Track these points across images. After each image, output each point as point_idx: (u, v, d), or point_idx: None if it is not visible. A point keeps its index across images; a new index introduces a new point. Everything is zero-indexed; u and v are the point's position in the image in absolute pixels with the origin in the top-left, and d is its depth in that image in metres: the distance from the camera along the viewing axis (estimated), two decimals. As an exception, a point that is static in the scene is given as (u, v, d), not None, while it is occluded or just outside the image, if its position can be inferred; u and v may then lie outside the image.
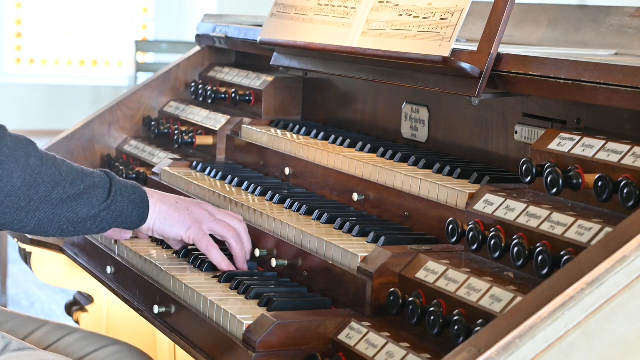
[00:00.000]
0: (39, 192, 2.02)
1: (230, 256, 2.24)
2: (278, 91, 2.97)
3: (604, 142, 1.80)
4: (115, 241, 2.46)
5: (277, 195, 2.40)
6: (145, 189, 2.20)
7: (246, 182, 2.54)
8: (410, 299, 1.76)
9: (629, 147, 1.74)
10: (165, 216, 2.20)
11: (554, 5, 2.73)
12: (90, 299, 3.19)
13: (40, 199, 2.03)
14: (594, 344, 1.42)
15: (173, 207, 2.22)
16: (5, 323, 2.38)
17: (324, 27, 2.57)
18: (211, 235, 2.24)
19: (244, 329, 1.85)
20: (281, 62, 2.77)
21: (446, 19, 2.18)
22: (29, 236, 2.91)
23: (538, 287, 1.45)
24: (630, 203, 1.65)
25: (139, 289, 2.33)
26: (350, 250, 1.97)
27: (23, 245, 3.01)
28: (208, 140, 2.95)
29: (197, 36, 3.36)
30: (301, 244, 2.13)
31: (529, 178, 1.88)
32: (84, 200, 2.07)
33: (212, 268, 2.22)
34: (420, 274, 1.83)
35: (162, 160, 2.93)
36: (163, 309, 2.16)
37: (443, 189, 2.04)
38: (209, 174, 2.71)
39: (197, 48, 3.38)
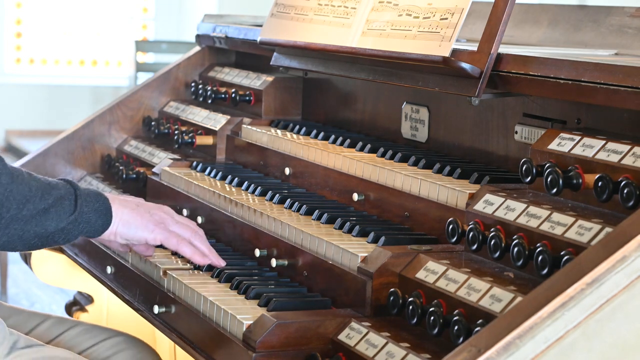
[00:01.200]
0: (10, 209, 2.00)
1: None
2: (278, 91, 2.97)
3: (604, 142, 1.80)
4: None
5: (277, 195, 2.40)
6: (107, 195, 2.17)
7: (246, 182, 2.54)
8: (410, 299, 1.76)
9: (629, 147, 1.74)
10: (129, 219, 2.17)
11: (554, 5, 2.73)
12: (90, 299, 3.19)
13: (11, 216, 2.00)
14: (594, 344, 1.42)
15: (135, 211, 2.19)
16: (8, 318, 2.38)
17: (324, 27, 2.57)
18: None
19: (244, 329, 1.85)
20: (281, 62, 2.77)
21: (446, 19, 2.18)
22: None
23: (538, 287, 1.45)
24: (630, 203, 1.65)
25: (139, 289, 2.33)
26: (350, 250, 1.97)
27: (23, 245, 3.00)
28: (208, 140, 2.95)
29: (197, 36, 3.36)
30: (301, 244, 2.13)
31: (529, 178, 1.87)
32: (52, 214, 2.05)
33: (211, 268, 2.22)
34: (420, 274, 1.83)
35: (162, 160, 2.93)
36: (163, 309, 2.16)
37: (443, 189, 2.04)
38: (209, 174, 2.71)
39: (197, 48, 3.38)
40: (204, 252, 2.22)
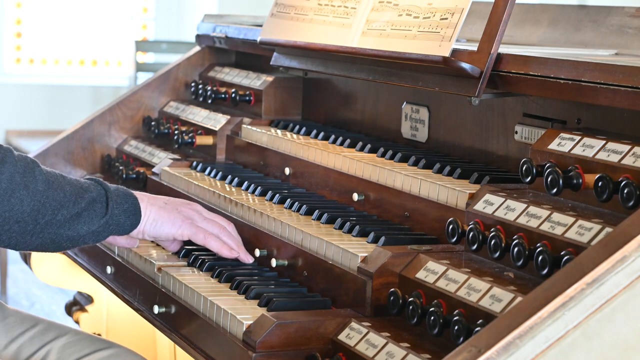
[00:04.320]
0: (45, 215, 2.04)
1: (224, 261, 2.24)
2: (278, 91, 2.97)
3: (604, 142, 1.80)
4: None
5: (277, 195, 2.40)
6: (136, 193, 2.21)
7: (246, 182, 2.54)
8: (410, 299, 1.76)
9: (629, 147, 1.74)
10: (156, 217, 2.21)
11: (554, 5, 2.73)
12: (90, 299, 3.19)
13: (46, 222, 2.04)
14: (594, 344, 1.42)
15: (162, 208, 2.23)
16: (4, 319, 2.35)
17: (324, 27, 2.57)
18: None
19: (244, 329, 1.85)
20: (281, 62, 2.77)
21: (446, 19, 2.18)
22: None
23: (538, 287, 1.45)
24: (630, 203, 1.65)
25: (139, 289, 2.33)
26: (350, 250, 1.97)
27: (23, 245, 3.00)
28: (208, 140, 2.95)
29: (197, 36, 3.36)
30: (301, 244, 2.13)
31: (529, 178, 1.87)
32: (84, 217, 2.08)
33: (211, 268, 2.22)
34: (420, 274, 1.83)
35: (162, 160, 2.93)
36: (163, 309, 2.16)
37: (443, 189, 2.04)
38: (209, 174, 2.71)
39: (197, 48, 3.38)
40: (232, 247, 2.25)
